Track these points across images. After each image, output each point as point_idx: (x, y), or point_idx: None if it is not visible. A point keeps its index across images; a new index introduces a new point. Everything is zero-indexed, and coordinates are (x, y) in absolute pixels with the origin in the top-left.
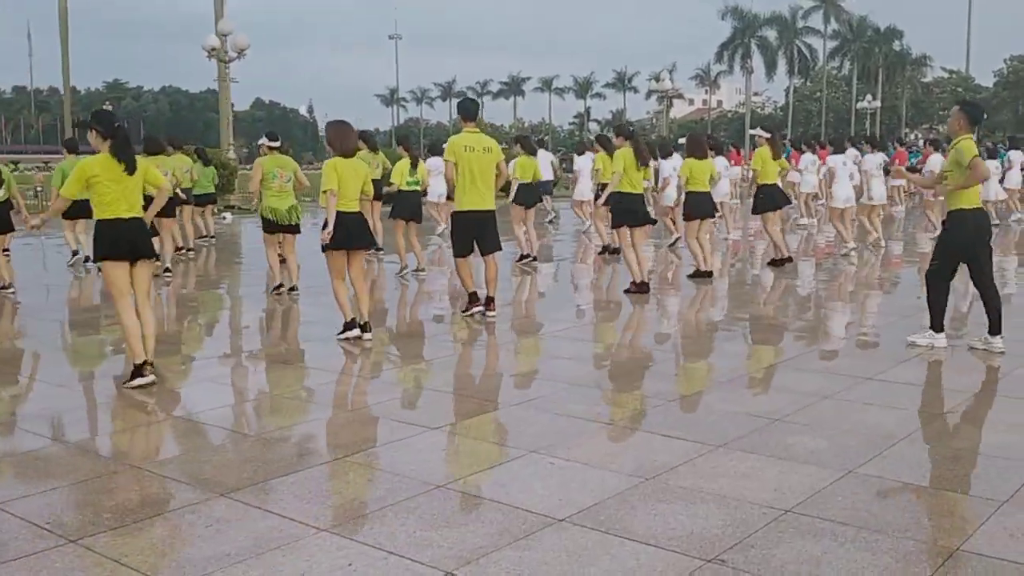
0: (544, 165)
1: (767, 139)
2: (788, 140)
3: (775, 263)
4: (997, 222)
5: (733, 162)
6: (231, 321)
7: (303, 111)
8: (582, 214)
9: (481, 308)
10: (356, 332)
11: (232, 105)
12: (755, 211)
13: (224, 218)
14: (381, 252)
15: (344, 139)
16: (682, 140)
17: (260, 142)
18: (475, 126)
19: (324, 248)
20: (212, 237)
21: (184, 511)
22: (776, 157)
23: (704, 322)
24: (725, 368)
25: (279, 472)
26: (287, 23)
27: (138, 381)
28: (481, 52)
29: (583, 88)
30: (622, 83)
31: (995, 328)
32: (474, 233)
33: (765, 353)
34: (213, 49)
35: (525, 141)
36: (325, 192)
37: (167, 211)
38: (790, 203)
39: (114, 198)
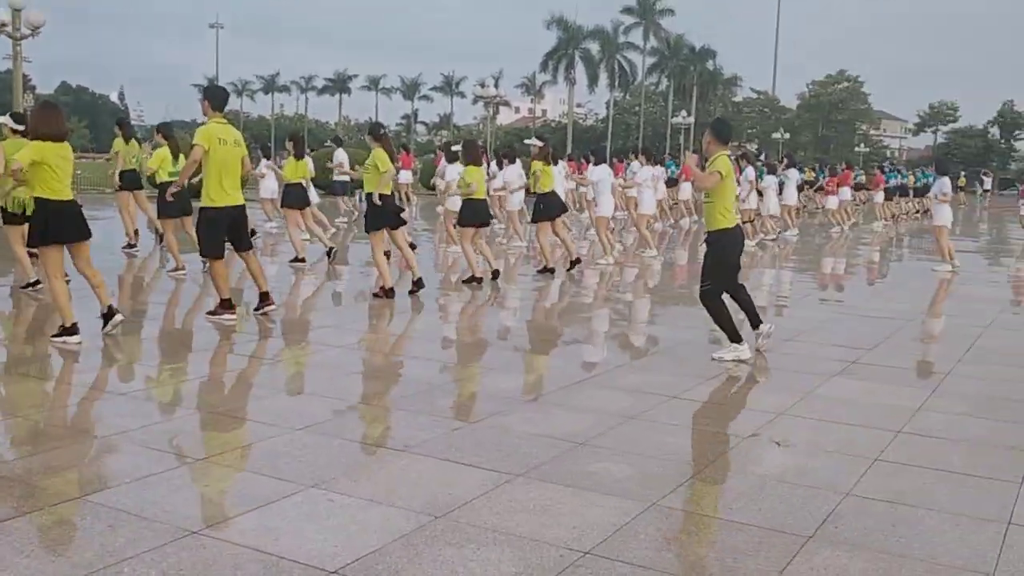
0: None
1: (539, 147)
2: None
3: (546, 270)
4: (774, 237)
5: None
6: None
7: (114, 97)
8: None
9: (234, 317)
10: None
11: (33, 88)
12: (533, 219)
13: None
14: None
15: (50, 123)
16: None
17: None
18: (223, 117)
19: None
20: None
21: None
22: (551, 162)
23: (495, 331)
24: (523, 384)
25: None
26: (100, 5)
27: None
28: (306, 45)
29: (410, 89)
30: (449, 87)
31: (756, 320)
32: (226, 230)
33: (566, 368)
34: (2, 25)
35: (298, 142)
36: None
37: None
38: (566, 211)
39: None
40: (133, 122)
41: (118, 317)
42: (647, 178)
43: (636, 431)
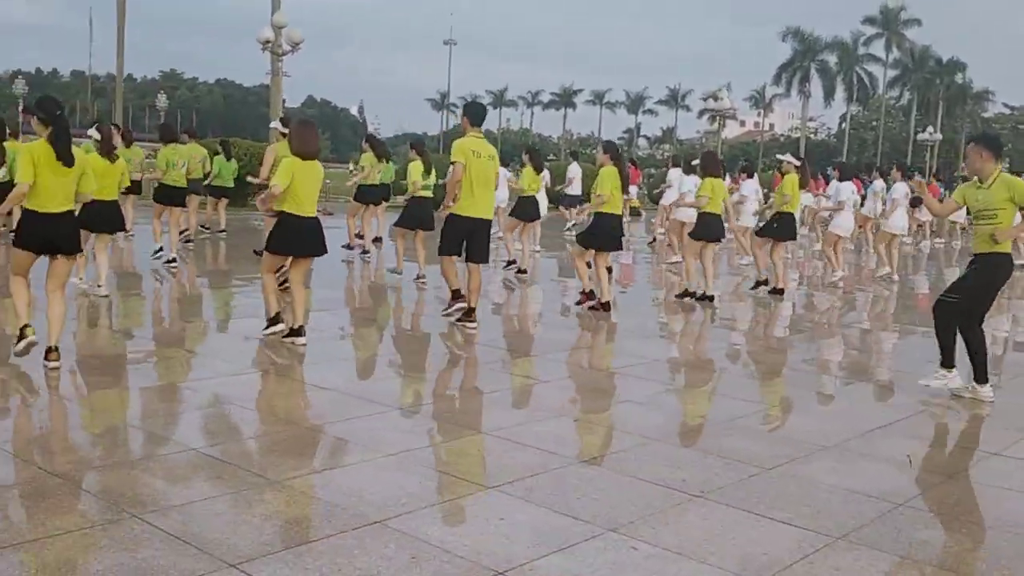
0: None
1: (796, 167)
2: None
3: (776, 291)
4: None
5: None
6: None
7: (354, 111)
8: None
9: (464, 305)
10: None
11: (284, 100)
12: (765, 234)
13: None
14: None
15: (306, 142)
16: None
17: (273, 126)
18: (480, 132)
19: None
20: (223, 231)
21: None
22: (804, 185)
23: (761, 360)
24: (816, 427)
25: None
26: (342, 24)
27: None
28: (534, 62)
29: (635, 103)
30: (675, 100)
31: (983, 376)
32: (465, 238)
33: (858, 409)
34: (267, 42)
35: (534, 154)
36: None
37: (177, 200)
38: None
39: (46, 189)
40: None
41: (301, 340)
42: (901, 195)
43: (961, 493)
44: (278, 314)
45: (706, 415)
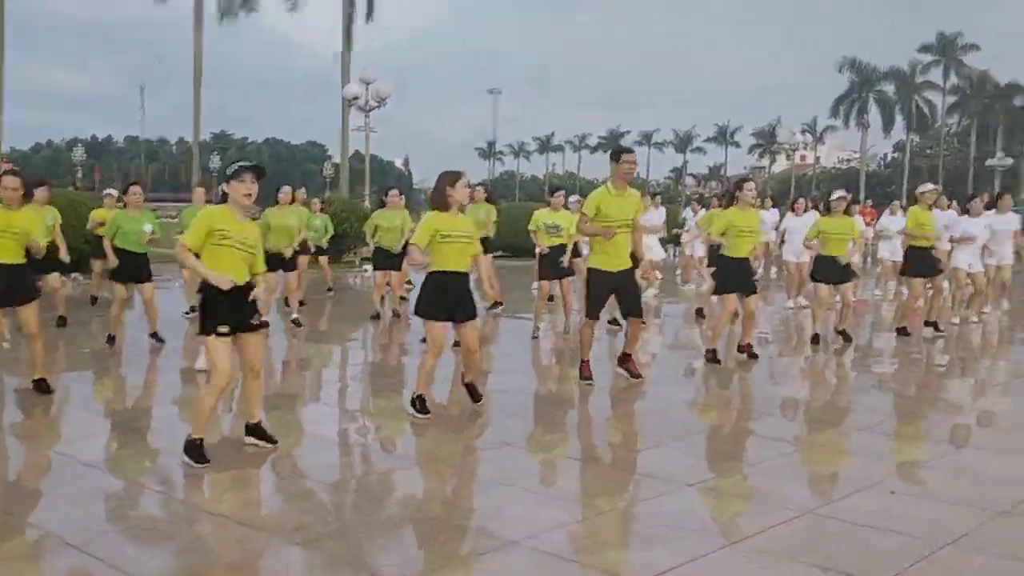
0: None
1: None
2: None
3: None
4: None
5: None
6: None
7: (399, 164)
8: None
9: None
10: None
11: (363, 157)
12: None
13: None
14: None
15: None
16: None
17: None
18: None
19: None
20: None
21: None
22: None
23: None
24: None
25: None
26: (386, 77)
27: None
28: (579, 106)
29: (683, 142)
30: (723, 137)
31: None
32: (608, 293)
33: None
34: (355, 97)
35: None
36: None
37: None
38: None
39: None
40: (416, 187)
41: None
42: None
43: None
44: None
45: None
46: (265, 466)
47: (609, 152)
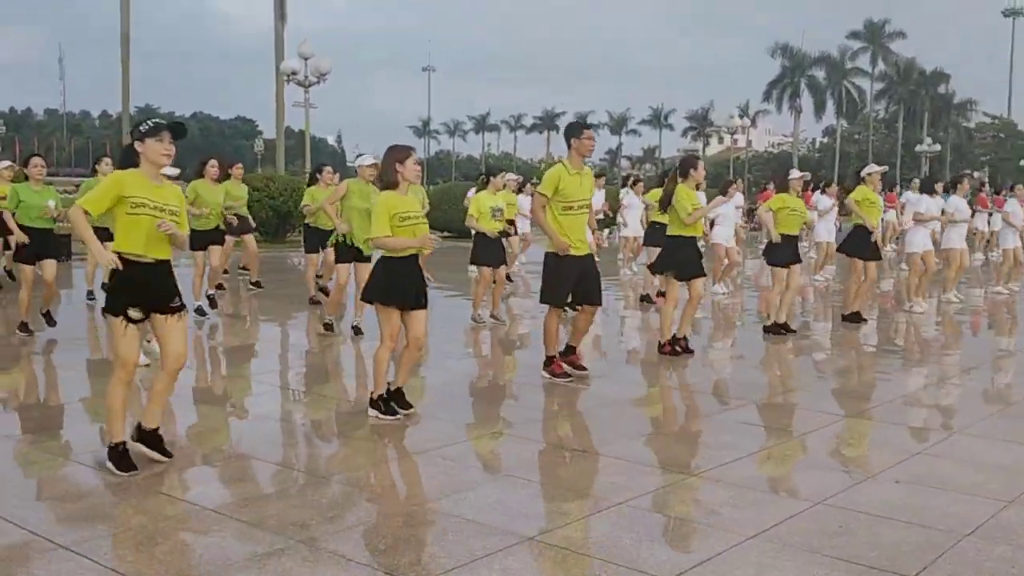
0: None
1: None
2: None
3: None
4: None
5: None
6: None
7: (331, 140)
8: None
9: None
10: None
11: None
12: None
13: None
14: None
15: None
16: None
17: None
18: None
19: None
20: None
21: None
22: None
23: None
24: None
25: None
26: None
27: None
28: (514, 84)
29: (618, 124)
30: (658, 120)
31: None
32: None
33: None
34: (292, 73)
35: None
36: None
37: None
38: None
39: None
40: (350, 164)
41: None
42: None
43: None
44: None
45: None
46: (249, 462)
47: (565, 127)
